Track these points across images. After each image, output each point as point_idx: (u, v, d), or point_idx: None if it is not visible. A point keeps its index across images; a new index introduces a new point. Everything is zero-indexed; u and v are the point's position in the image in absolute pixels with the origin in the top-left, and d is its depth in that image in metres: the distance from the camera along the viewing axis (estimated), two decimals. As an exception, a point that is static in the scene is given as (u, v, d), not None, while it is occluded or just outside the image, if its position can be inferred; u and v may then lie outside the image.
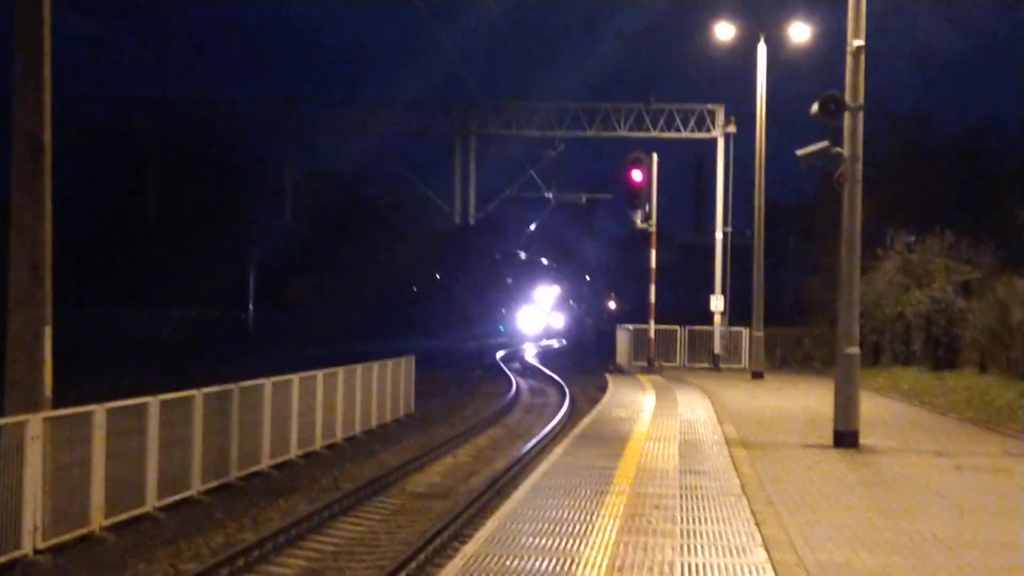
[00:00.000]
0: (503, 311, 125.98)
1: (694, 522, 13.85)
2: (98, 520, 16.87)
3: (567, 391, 44.32)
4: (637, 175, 45.42)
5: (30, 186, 17.79)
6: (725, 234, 50.68)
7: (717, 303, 49.48)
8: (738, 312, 49.63)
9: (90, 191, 72.27)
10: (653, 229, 48.08)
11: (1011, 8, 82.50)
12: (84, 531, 16.57)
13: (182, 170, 72.91)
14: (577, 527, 13.40)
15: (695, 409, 29.41)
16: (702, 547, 12.47)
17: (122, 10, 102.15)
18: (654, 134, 54.65)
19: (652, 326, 49.77)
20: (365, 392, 30.38)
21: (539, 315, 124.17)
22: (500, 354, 76.68)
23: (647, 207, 47.38)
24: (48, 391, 17.53)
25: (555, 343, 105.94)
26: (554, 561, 11.68)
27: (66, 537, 16.13)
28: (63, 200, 22.72)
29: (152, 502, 18.41)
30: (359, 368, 29.96)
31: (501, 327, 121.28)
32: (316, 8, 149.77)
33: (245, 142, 76.62)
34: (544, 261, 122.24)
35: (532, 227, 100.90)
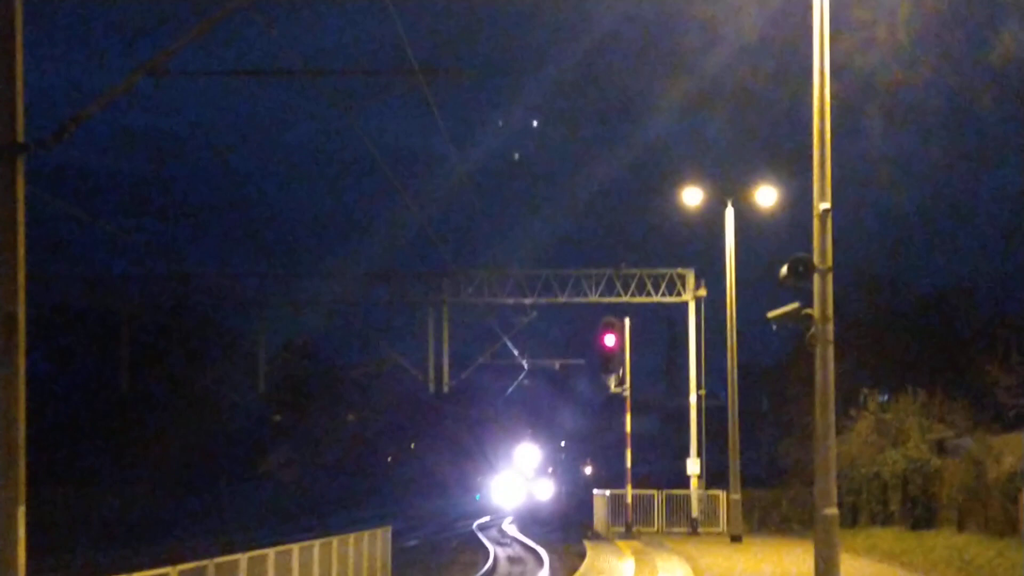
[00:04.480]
0: (479, 479, 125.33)
1: None
2: None
3: (545, 559, 43.88)
4: (610, 340, 45.55)
5: (3, 364, 17.75)
6: (699, 397, 50.73)
7: (693, 466, 49.33)
8: (714, 474, 49.43)
9: (62, 368, 72.07)
10: (627, 394, 48.11)
11: (969, 171, 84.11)
12: None
13: (155, 345, 72.85)
14: None
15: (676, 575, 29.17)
16: None
17: (93, 189, 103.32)
18: (625, 299, 54.91)
19: (629, 491, 49.53)
20: (341, 564, 30.08)
21: (517, 483, 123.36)
22: (476, 523, 76.10)
23: (621, 372, 47.49)
24: (22, 572, 17.29)
25: (529, 512, 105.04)
26: None
27: None
28: (34, 378, 22.70)
29: None
30: (335, 540, 29.73)
31: (477, 495, 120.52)
32: (281, 180, 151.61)
33: (217, 315, 76.68)
34: (519, 427, 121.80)
35: (507, 393, 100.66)
